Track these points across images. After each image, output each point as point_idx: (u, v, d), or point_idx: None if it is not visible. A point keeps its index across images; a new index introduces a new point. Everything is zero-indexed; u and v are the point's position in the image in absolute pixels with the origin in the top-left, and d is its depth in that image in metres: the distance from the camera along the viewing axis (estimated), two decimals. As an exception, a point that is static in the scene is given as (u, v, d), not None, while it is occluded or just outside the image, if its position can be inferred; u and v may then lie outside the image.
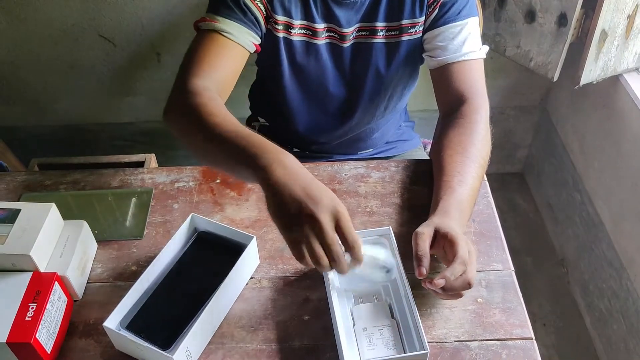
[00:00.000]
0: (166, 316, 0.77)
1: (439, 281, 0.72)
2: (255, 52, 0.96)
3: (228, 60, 0.92)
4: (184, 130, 0.83)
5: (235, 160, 0.73)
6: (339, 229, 0.67)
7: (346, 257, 0.69)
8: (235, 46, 0.92)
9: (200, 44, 0.91)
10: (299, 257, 0.68)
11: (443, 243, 0.76)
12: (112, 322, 0.73)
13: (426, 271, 0.73)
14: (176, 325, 0.75)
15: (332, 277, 0.79)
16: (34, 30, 1.59)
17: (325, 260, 0.67)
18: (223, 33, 0.91)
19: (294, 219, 0.66)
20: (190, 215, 0.84)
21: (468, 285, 0.73)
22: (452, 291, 0.74)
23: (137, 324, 0.75)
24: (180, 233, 0.84)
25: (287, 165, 0.68)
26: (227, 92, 0.93)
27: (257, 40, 0.95)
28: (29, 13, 1.56)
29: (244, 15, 0.92)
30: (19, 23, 1.58)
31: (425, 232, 0.76)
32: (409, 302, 0.76)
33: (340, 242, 0.67)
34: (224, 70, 0.91)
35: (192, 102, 0.81)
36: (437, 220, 0.79)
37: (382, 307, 0.78)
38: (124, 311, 0.75)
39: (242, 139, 0.73)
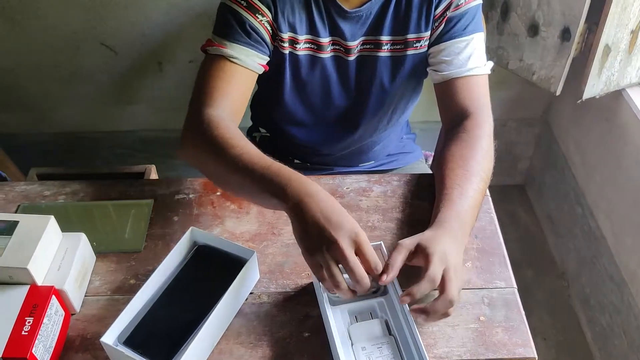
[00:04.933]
0: (164, 331, 0.76)
1: (404, 298, 0.72)
2: (264, 72, 0.96)
3: (238, 85, 0.93)
4: (204, 162, 0.86)
5: (261, 190, 0.76)
6: (360, 253, 0.70)
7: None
8: (244, 70, 0.92)
9: (210, 72, 0.92)
10: (321, 280, 0.71)
11: (422, 258, 0.75)
12: (110, 337, 0.72)
13: (388, 280, 0.72)
14: (175, 341, 0.74)
15: (324, 294, 0.78)
16: (35, 37, 1.59)
17: (344, 284, 0.70)
18: (231, 59, 0.91)
19: (315, 243, 0.70)
20: (189, 229, 0.84)
21: (450, 304, 0.72)
22: (436, 313, 0.72)
23: (134, 339, 0.74)
24: (180, 246, 0.83)
25: (312, 193, 0.72)
26: (240, 116, 0.94)
27: (265, 60, 0.95)
28: (30, 21, 1.55)
29: (249, 37, 0.92)
30: (20, 30, 1.57)
31: (404, 245, 0.76)
32: (405, 318, 0.75)
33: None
34: (235, 96, 0.92)
35: (210, 134, 0.83)
36: (427, 234, 0.78)
37: (378, 324, 0.77)
38: (122, 326, 0.74)
39: (267, 169, 0.76)
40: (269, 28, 0.93)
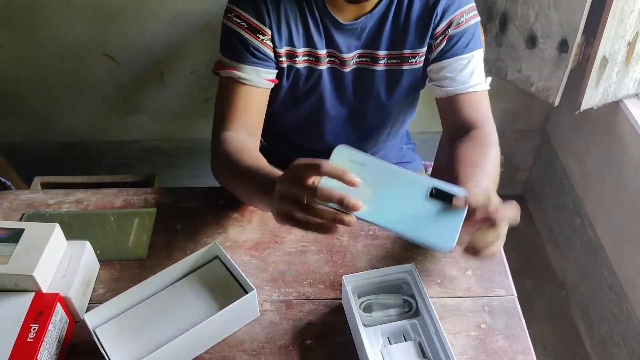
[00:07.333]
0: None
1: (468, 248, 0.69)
2: (274, 85, 1.00)
3: (251, 104, 0.97)
4: (224, 177, 0.94)
5: (255, 191, 0.81)
6: (308, 177, 0.65)
7: None
8: (255, 89, 0.97)
9: (224, 95, 0.97)
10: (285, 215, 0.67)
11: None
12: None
13: (504, 210, 0.68)
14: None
15: (359, 316, 0.75)
16: (39, 47, 1.61)
17: (313, 219, 0.65)
18: (241, 80, 0.95)
19: (274, 201, 0.69)
20: (213, 243, 0.84)
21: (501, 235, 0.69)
22: (484, 244, 0.69)
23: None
24: (194, 257, 0.84)
25: None
26: (257, 131, 1.00)
27: (273, 74, 0.98)
28: (35, 31, 1.57)
29: (255, 57, 0.95)
30: (24, 40, 1.59)
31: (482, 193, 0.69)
32: (440, 340, 0.73)
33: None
34: (250, 115, 0.98)
35: (224, 150, 0.90)
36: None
37: (412, 346, 0.75)
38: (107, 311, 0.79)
39: (262, 170, 0.81)
40: (271, 45, 0.96)
